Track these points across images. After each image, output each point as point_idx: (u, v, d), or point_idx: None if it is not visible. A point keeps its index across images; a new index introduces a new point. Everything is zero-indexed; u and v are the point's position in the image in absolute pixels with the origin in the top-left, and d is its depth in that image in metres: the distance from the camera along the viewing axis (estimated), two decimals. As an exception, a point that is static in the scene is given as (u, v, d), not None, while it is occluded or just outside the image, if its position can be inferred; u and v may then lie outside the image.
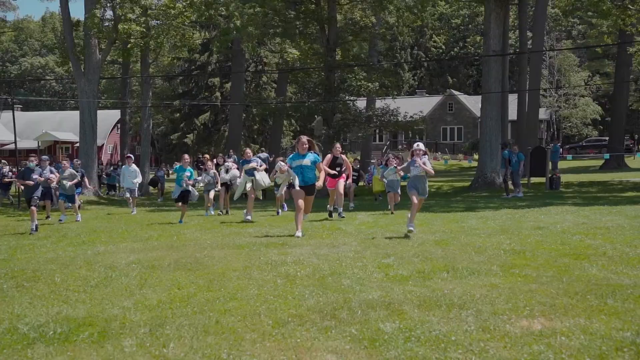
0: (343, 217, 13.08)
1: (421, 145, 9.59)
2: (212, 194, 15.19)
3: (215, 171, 15.56)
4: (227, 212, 15.48)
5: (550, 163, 22.92)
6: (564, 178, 24.11)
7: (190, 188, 13.36)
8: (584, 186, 22.15)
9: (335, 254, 7.91)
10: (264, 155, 24.90)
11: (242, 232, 10.82)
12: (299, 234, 9.70)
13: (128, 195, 16.51)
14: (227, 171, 15.51)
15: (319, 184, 10.24)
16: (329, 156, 13.44)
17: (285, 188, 13.54)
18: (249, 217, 12.85)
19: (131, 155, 17.15)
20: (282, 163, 10.97)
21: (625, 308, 4.82)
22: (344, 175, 13.46)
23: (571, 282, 5.82)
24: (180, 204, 13.43)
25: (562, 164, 32.88)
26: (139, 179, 16.60)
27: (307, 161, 10.08)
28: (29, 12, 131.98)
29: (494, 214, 13.16)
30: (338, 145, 13.82)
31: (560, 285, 5.69)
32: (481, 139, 22.57)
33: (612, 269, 6.40)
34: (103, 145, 50.26)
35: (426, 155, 9.72)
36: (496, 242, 8.53)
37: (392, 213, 13.98)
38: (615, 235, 8.93)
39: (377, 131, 45.62)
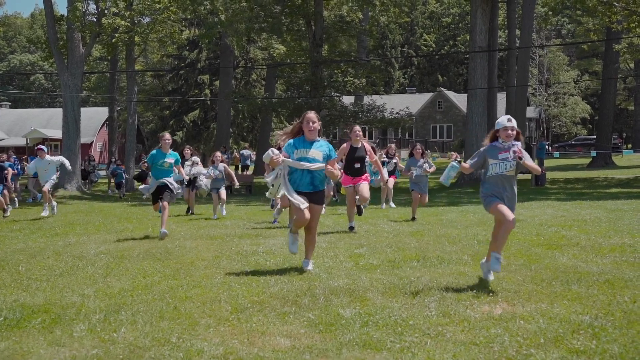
0: (353, 229, 9.25)
1: (514, 122, 5.71)
2: (223, 192, 12.47)
3: (225, 165, 12.89)
4: (191, 212, 13.39)
5: (536, 160, 22.91)
6: (551, 175, 24.13)
7: (174, 184, 9.41)
8: (569, 183, 22.15)
9: (308, 244, 7.82)
10: (247, 152, 24.84)
11: (218, 225, 10.71)
12: (309, 266, 6.16)
13: (48, 187, 13.12)
14: (192, 165, 13.01)
15: (337, 173, 6.31)
16: (344, 147, 9.29)
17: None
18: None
19: (42, 147, 13.64)
20: (276, 151, 6.04)
21: (589, 294, 4.77)
22: (366, 174, 9.44)
23: (539, 270, 5.76)
24: (159, 203, 9.26)
25: (549, 162, 32.92)
26: (57, 174, 13.51)
27: (316, 153, 6.02)
28: (18, 9, 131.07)
29: (476, 208, 13.11)
30: (357, 128, 9.37)
31: (528, 273, 5.64)
32: (467, 135, 22.54)
33: (582, 258, 6.35)
34: (92, 142, 49.94)
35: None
36: (471, 234, 8.48)
37: (413, 219, 10.81)
38: (592, 227, 8.89)
39: (366, 128, 45.57)
